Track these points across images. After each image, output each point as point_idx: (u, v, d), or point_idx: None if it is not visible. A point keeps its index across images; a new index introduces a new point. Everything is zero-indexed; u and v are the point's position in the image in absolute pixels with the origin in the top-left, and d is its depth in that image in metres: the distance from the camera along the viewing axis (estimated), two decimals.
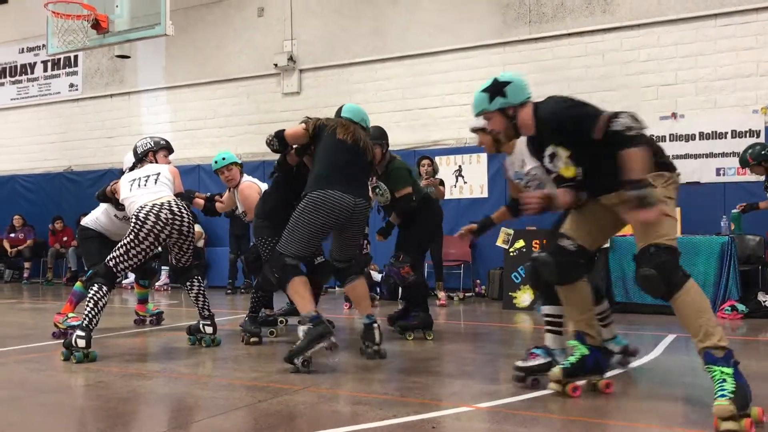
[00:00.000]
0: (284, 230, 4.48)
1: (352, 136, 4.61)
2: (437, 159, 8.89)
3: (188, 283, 5.39)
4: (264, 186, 6.11)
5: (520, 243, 7.95)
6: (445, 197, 9.68)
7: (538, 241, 7.85)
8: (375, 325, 4.67)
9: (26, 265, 12.89)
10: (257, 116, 11.72)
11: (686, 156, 8.84)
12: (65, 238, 12.59)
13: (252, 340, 5.35)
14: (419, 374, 4.22)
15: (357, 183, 4.58)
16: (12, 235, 13.15)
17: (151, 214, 4.90)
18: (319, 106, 11.13)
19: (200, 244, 11.19)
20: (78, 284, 5.96)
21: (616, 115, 3.25)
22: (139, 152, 5.75)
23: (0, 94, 14.40)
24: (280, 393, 3.65)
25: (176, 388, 3.93)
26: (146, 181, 5.22)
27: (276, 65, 11.39)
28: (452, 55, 10.29)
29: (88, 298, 4.65)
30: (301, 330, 4.23)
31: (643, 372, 4.33)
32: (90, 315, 4.57)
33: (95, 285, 4.69)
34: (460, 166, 10.02)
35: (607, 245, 7.46)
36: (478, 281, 9.63)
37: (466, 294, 9.37)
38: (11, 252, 13.05)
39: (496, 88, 3.62)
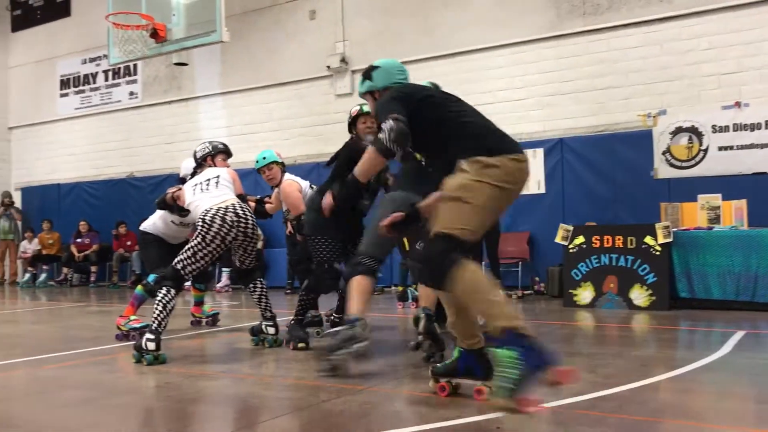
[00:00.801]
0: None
1: None
2: None
3: (251, 285, 5.48)
4: (304, 183, 6.16)
5: (580, 239, 7.82)
6: None
7: (598, 237, 7.72)
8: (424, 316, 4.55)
9: (93, 269, 13.32)
10: (310, 118, 11.84)
11: (751, 146, 8.55)
12: (128, 243, 12.95)
13: (300, 345, 5.18)
14: None
15: None
16: (78, 240, 13.61)
17: (216, 217, 4.99)
18: None
19: (259, 245, 11.35)
20: (139, 288, 6.06)
21: (387, 119, 3.26)
22: (198, 157, 5.89)
23: (65, 104, 14.94)
24: (342, 393, 3.69)
25: (241, 389, 4.01)
26: (207, 184, 5.32)
27: (328, 67, 11.48)
28: (504, 50, 10.19)
29: (156, 302, 4.77)
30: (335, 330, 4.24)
31: (712, 370, 4.21)
32: (159, 318, 4.68)
33: (163, 288, 4.81)
34: None
35: (670, 239, 7.30)
36: (536, 279, 9.52)
37: (525, 292, 9.27)
38: (78, 257, 13.50)
39: (367, 72, 3.81)
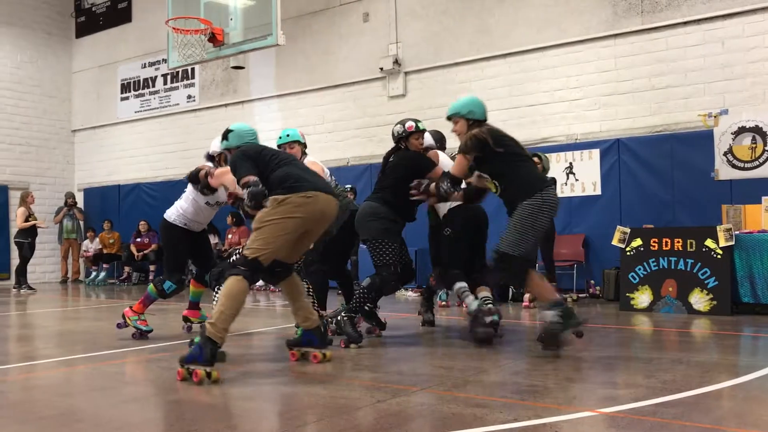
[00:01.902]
0: (509, 232, 4.82)
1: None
2: (548, 156, 8.72)
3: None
4: (327, 171, 6.05)
5: (638, 242, 7.67)
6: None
7: (656, 240, 7.55)
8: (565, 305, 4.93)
9: (151, 267, 13.65)
10: (363, 120, 11.90)
11: None
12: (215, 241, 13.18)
13: (351, 345, 5.25)
14: (537, 377, 4.16)
15: None
16: (138, 239, 13.99)
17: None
18: (425, 107, 11.18)
19: None
20: (151, 287, 6.01)
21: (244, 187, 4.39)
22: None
23: (125, 107, 15.37)
24: (398, 394, 3.70)
25: (296, 388, 4.05)
26: None
27: (381, 69, 11.52)
28: (560, 50, 10.06)
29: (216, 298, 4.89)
30: (551, 314, 4.74)
31: None
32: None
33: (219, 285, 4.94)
34: (570, 163, 9.78)
35: (732, 242, 7.09)
36: (592, 282, 9.36)
37: (580, 295, 9.13)
38: (138, 256, 13.87)
39: (224, 134, 4.91)
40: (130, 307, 6.04)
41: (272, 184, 4.39)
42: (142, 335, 6.00)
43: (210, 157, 6.02)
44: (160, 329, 6.37)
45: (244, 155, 4.53)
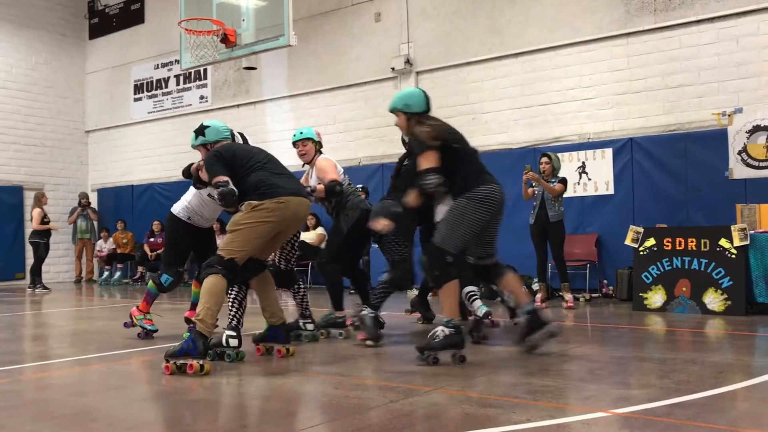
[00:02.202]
0: (443, 225, 4.66)
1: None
2: (560, 156, 8.69)
3: (295, 285, 5.82)
4: (341, 169, 6.13)
5: (651, 241, 7.63)
6: (569, 195, 9.49)
7: (669, 239, 7.51)
8: (532, 312, 4.82)
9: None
10: (375, 120, 11.89)
11: None
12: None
13: (368, 343, 5.32)
14: (549, 377, 4.15)
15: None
16: (151, 239, 14.05)
17: None
18: (435, 106, 10.98)
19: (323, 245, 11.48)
20: (150, 283, 6.02)
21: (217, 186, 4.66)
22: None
23: (139, 108, 15.45)
24: (410, 394, 3.70)
25: (312, 387, 4.06)
26: None
27: (393, 69, 11.52)
28: (572, 49, 10.02)
29: (230, 300, 4.95)
30: (441, 330, 4.48)
31: None
32: (236, 315, 4.93)
33: (235, 287, 4.98)
34: (583, 163, 9.74)
35: (747, 242, 7.04)
36: (605, 281, 9.32)
37: (593, 295, 9.09)
38: (151, 256, 13.93)
39: (200, 129, 5.26)
40: (137, 307, 6.10)
41: (247, 188, 4.62)
42: (147, 334, 6.06)
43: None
44: (173, 329, 6.39)
45: (217, 157, 4.78)
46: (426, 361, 4.46)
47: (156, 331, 6.09)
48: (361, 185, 9.71)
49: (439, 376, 4.17)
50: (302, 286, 5.87)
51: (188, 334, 4.36)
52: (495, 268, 4.98)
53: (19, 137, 15.14)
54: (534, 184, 8.08)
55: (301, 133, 6.11)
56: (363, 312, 5.55)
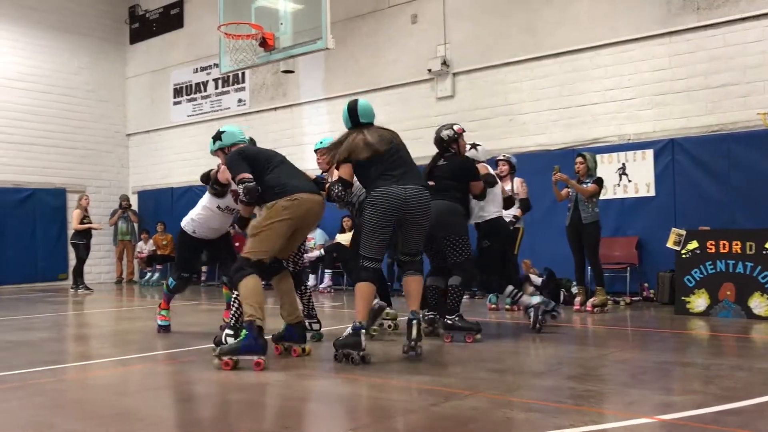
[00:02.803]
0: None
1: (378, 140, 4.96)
2: (598, 157, 8.57)
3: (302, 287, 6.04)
4: None
5: (694, 244, 7.48)
6: (608, 197, 9.35)
7: (713, 242, 7.35)
8: (414, 322, 4.83)
9: (203, 269, 13.87)
10: (411, 122, 11.86)
11: None
12: (237, 244, 13.38)
13: (477, 337, 5.65)
14: (591, 382, 4.09)
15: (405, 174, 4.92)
16: None
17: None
18: (472, 108, 11.12)
19: None
20: (165, 286, 6.67)
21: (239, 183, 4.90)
22: None
23: (178, 111, 15.67)
24: (451, 397, 3.67)
25: (352, 390, 4.07)
26: None
27: (430, 70, 11.49)
28: (612, 48, 9.88)
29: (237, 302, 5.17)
30: (349, 330, 4.73)
31: None
32: (238, 315, 5.21)
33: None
34: (623, 164, 9.58)
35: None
36: (645, 285, 9.16)
37: (633, 298, 8.94)
38: None
39: (217, 134, 5.47)
40: (159, 305, 6.75)
41: (264, 187, 4.88)
42: (161, 330, 6.58)
43: None
44: (213, 330, 6.46)
45: (241, 155, 5.03)
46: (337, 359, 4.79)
47: (168, 326, 6.63)
48: None
49: (479, 380, 4.13)
50: (308, 286, 6.18)
51: (245, 332, 4.56)
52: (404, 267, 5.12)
53: (62, 141, 15.47)
54: (567, 185, 7.99)
55: (321, 143, 6.37)
56: (451, 320, 5.74)
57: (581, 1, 10.12)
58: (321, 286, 11.67)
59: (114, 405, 3.78)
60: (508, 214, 8.30)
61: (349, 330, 4.72)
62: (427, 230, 5.05)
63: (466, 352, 5.32)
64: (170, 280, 6.62)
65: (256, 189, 4.82)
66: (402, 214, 4.80)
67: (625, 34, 9.69)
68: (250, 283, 4.66)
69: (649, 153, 9.38)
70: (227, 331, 5.28)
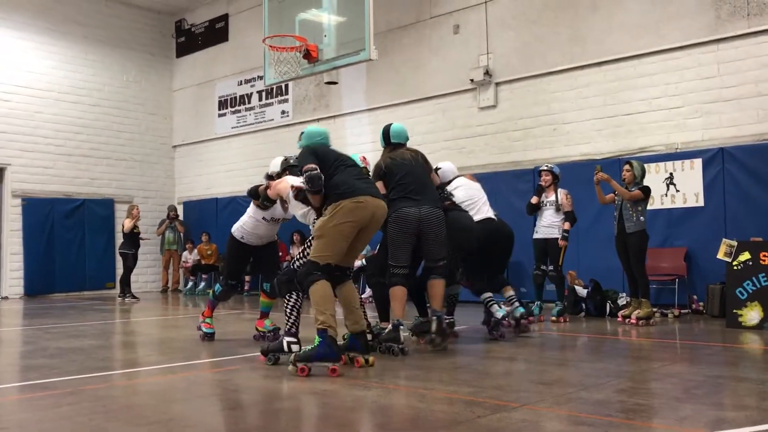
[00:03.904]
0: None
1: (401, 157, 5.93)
2: (646, 166, 8.43)
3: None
4: None
5: (746, 255, 7.29)
6: (656, 207, 9.18)
7: (766, 254, 7.16)
8: (434, 318, 5.61)
9: (246, 278, 14.01)
10: (453, 132, 11.86)
11: None
12: (280, 253, 13.50)
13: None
14: (642, 395, 4.01)
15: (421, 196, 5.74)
16: None
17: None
18: (515, 117, 11.05)
19: None
20: (210, 293, 6.85)
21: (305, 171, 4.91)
22: None
23: (223, 123, 15.92)
24: (498, 409, 3.64)
25: (396, 400, 4.05)
26: None
27: (472, 80, 11.47)
28: (658, 56, 9.72)
29: (291, 306, 5.18)
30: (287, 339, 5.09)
31: None
32: (295, 322, 5.19)
33: (294, 296, 5.22)
34: (671, 174, 9.40)
35: None
36: (694, 297, 8.96)
37: (682, 311, 8.74)
38: None
39: (301, 135, 5.58)
40: (202, 312, 6.79)
41: (330, 186, 4.92)
42: (205, 337, 6.63)
43: (269, 177, 6.38)
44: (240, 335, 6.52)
45: (311, 151, 5.11)
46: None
47: (212, 333, 6.67)
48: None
49: (526, 392, 4.09)
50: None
51: (319, 339, 4.61)
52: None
53: (111, 152, 15.84)
54: (614, 192, 7.86)
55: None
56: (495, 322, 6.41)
57: (629, 9, 9.98)
58: (363, 296, 11.68)
59: (164, 411, 3.83)
60: (553, 225, 8.22)
61: (389, 327, 5.40)
62: (443, 241, 5.73)
63: (510, 364, 5.27)
64: (217, 286, 6.76)
65: (319, 176, 4.83)
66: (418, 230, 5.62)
67: (671, 42, 9.53)
68: (321, 290, 4.72)
69: (698, 162, 9.19)
70: (288, 338, 5.13)
